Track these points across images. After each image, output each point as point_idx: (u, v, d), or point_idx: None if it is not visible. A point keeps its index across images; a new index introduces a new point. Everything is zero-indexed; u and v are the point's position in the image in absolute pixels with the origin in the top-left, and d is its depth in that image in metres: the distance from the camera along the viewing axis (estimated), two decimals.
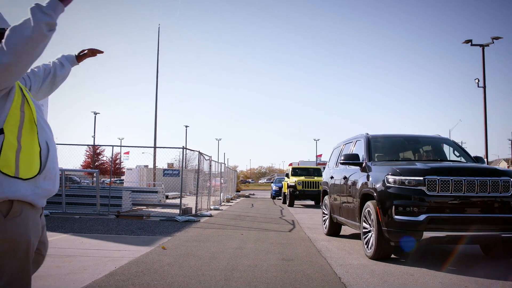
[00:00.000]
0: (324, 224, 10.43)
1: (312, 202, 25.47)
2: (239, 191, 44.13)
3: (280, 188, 31.15)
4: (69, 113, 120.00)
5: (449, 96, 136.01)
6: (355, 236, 9.89)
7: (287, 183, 23.64)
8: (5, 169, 2.19)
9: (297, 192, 22.26)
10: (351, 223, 8.23)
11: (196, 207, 15.37)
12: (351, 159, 8.04)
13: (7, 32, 2.14)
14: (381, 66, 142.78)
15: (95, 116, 61.09)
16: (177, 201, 17.40)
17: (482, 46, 28.95)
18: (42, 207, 2.44)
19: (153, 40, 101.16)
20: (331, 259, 6.93)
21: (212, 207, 18.91)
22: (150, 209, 16.29)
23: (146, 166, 34.07)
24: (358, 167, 7.98)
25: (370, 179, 7.21)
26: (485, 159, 28.45)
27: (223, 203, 23.50)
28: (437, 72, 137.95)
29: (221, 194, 23.99)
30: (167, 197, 22.83)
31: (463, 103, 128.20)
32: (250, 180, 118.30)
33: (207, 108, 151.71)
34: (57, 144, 15.59)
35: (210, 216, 14.85)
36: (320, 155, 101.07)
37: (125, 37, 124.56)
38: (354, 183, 7.96)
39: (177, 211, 14.01)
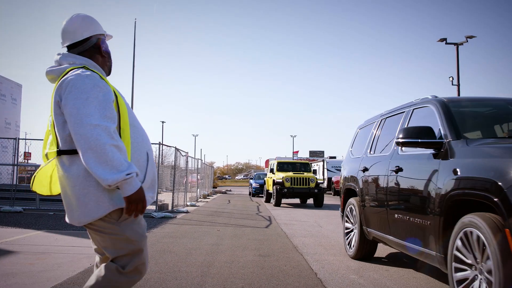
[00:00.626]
0: (348, 239, 7.01)
1: (298, 201, 23.70)
2: (215, 187, 44.08)
3: (262, 185, 28.83)
4: (43, 107, 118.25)
5: (424, 94, 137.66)
6: (335, 234, 9.98)
7: (273, 180, 20.61)
8: None
9: (285, 190, 19.46)
10: (414, 248, 4.68)
11: (172, 203, 15.31)
12: (420, 135, 4.41)
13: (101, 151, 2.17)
14: (357, 62, 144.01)
15: None
16: None
17: (456, 45, 29.41)
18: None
19: (129, 34, 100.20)
20: (307, 255, 6.97)
21: (188, 204, 18.86)
22: None
23: None
24: (429, 151, 4.47)
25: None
26: None
27: (199, 199, 23.45)
28: (412, 70, 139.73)
29: (198, 190, 23.93)
30: None
31: None
32: (227, 176, 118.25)
33: (184, 104, 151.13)
34: (31, 139, 15.36)
35: (187, 212, 14.81)
36: (297, 152, 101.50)
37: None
38: (428, 180, 4.35)
39: (153, 207, 13.92)
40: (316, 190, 19.54)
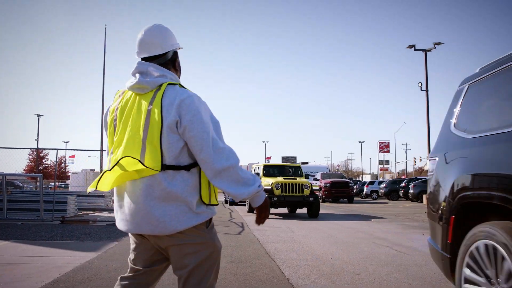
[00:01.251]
0: None
1: (286, 210, 19.92)
2: None
3: None
4: (10, 114, 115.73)
5: (394, 99, 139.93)
6: (308, 239, 10.02)
7: None
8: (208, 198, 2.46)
9: (275, 199, 16.22)
10: None
11: None
12: None
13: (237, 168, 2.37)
14: (328, 68, 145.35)
15: (38, 118, 59.23)
16: None
17: (425, 51, 30.05)
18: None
19: (100, 40, 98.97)
20: (280, 260, 6.99)
21: None
22: (97, 214, 15.94)
23: (93, 170, 33.28)
24: None
25: None
26: (428, 160, 29.54)
27: None
28: (382, 76, 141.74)
29: None
30: (113, 201, 22.39)
31: (408, 106, 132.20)
32: None
33: None
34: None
35: None
36: (269, 158, 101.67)
37: (70, 37, 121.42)
38: None
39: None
40: (311, 198, 16.54)
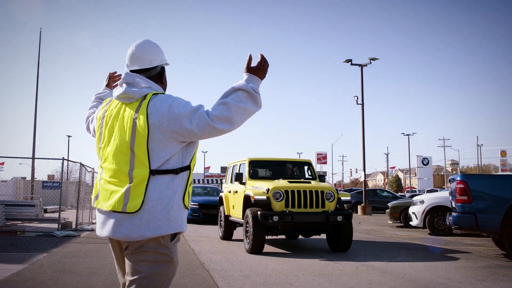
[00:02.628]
0: None
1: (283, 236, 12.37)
2: None
3: (208, 205, 18.26)
4: None
5: (331, 112, 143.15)
6: (243, 249, 10.02)
7: (245, 196, 10.04)
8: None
9: (275, 219, 9.03)
10: None
11: (76, 221, 14.71)
12: None
13: (235, 106, 2.40)
14: (266, 79, 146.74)
15: None
16: (56, 215, 16.54)
17: (361, 66, 30.94)
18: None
19: (34, 43, 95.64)
20: (214, 271, 6.97)
21: (94, 221, 18.19)
22: (26, 224, 15.30)
23: (24, 178, 32.04)
24: None
25: None
26: (363, 172, 30.44)
27: None
28: (320, 89, 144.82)
29: None
30: (45, 210, 21.60)
31: (345, 119, 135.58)
32: None
33: None
34: None
35: (92, 230, 14.27)
36: (208, 167, 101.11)
37: (1, 39, 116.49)
38: None
39: (56, 225, 13.29)
40: (340, 218, 9.27)
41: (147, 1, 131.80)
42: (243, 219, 9.90)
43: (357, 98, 30.80)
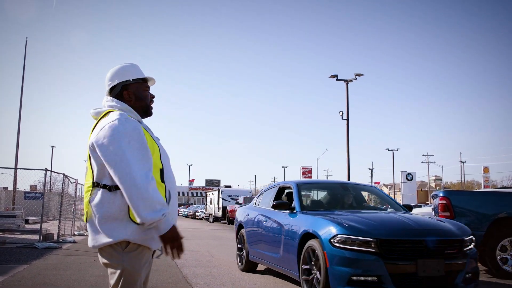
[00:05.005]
0: None
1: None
2: None
3: None
4: None
5: (317, 126, 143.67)
6: (227, 263, 9.97)
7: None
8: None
9: None
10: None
11: (58, 232, 14.53)
12: None
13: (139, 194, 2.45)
14: (252, 94, 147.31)
15: None
16: (38, 226, 16.35)
17: (346, 82, 31.22)
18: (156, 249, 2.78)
19: (19, 52, 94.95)
20: (197, 285, 6.93)
21: (76, 233, 18.01)
22: (6, 235, 15.09)
23: (6, 188, 31.61)
24: None
25: None
26: None
27: None
28: (306, 103, 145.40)
29: None
30: (27, 222, 21.33)
31: (330, 133, 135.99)
32: None
33: (76, 128, 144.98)
34: None
35: (74, 242, 14.13)
36: (193, 180, 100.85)
37: None
38: None
39: (37, 237, 13.13)
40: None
41: (134, 16, 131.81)
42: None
43: (342, 113, 31.05)
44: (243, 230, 9.03)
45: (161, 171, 2.68)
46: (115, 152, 2.49)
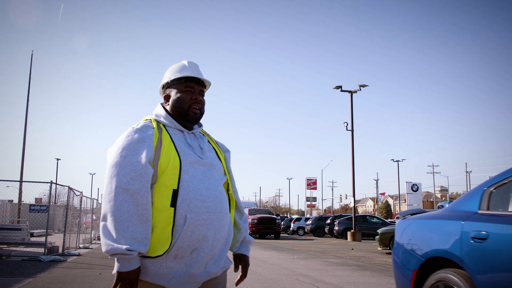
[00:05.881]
0: None
1: None
2: None
3: None
4: None
5: (321, 138, 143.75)
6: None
7: None
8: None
9: None
10: None
11: (63, 245, 14.52)
12: None
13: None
14: (257, 105, 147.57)
15: None
16: (43, 239, 16.37)
17: (351, 93, 31.25)
18: None
19: (25, 65, 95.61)
20: None
21: (81, 246, 17.99)
22: (11, 248, 15.11)
23: (11, 201, 31.68)
24: None
25: None
26: (353, 198, 30.44)
27: (94, 241, 22.46)
28: (311, 114, 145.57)
29: (92, 231, 22.94)
30: (32, 234, 21.35)
31: (334, 144, 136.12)
32: None
33: (81, 140, 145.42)
34: None
35: (79, 255, 14.11)
36: None
37: None
38: None
39: (42, 250, 13.12)
40: None
41: (142, 28, 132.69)
42: None
43: (347, 124, 31.05)
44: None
45: (175, 192, 2.19)
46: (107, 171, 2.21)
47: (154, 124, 2.36)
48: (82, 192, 18.71)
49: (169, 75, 2.54)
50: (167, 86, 2.53)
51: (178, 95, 2.45)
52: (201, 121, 2.54)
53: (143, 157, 2.19)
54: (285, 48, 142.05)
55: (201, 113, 2.50)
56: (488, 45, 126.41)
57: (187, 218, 2.17)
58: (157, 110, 2.48)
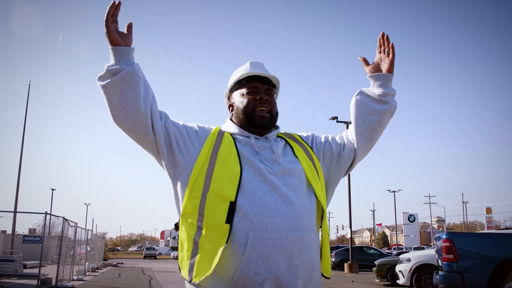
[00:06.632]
0: None
1: None
2: (106, 260, 41.89)
3: None
4: None
5: None
6: None
7: None
8: None
9: None
10: None
11: (57, 277, 14.31)
12: None
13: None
14: None
15: None
16: (36, 270, 16.15)
17: (347, 123, 31.33)
18: None
19: (22, 95, 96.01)
20: None
21: (75, 277, 17.73)
22: (4, 280, 14.89)
23: (4, 232, 31.35)
24: None
25: None
26: (349, 229, 30.26)
27: (88, 273, 22.16)
28: None
29: (86, 263, 22.65)
30: (25, 266, 21.06)
31: None
32: (119, 248, 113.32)
33: (76, 171, 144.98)
34: None
35: (72, 287, 13.90)
36: None
37: None
38: None
39: (35, 281, 12.93)
40: None
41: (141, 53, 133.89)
42: None
43: None
44: None
45: (232, 205, 1.80)
46: None
47: (217, 129, 2.11)
48: (76, 223, 18.57)
49: (230, 81, 2.25)
50: (230, 94, 2.25)
51: (240, 99, 2.15)
52: (278, 122, 2.23)
53: (176, 123, 2.06)
54: (281, 77, 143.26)
55: (272, 115, 2.14)
56: (485, 69, 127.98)
57: (249, 237, 1.75)
58: (225, 124, 2.19)
